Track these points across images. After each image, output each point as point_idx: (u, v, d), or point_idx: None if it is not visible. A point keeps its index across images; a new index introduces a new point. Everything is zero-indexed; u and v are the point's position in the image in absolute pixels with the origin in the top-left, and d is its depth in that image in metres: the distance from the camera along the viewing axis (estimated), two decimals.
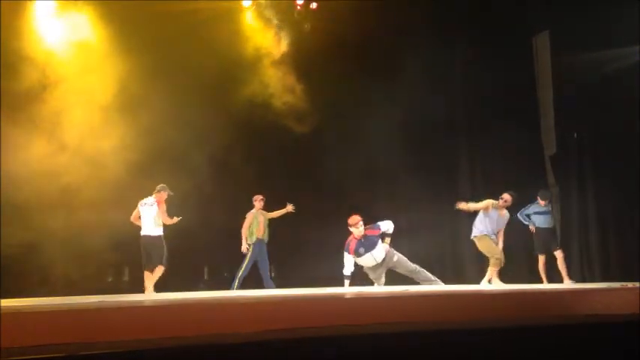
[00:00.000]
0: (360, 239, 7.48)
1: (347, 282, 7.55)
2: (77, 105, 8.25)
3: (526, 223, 9.03)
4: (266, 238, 9.03)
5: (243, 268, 8.84)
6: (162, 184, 7.84)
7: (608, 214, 9.51)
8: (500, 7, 9.83)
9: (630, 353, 2.98)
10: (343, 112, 9.94)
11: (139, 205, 7.89)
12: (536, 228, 8.95)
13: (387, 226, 7.70)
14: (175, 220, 7.84)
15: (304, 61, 9.77)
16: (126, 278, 9.31)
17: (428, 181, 9.78)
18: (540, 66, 10.63)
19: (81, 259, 8.10)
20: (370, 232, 7.54)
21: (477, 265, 9.28)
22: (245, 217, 8.98)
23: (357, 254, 7.49)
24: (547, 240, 8.86)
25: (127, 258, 8.78)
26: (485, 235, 8.01)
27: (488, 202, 8.08)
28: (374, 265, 7.63)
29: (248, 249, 8.87)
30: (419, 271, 7.72)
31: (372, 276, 7.80)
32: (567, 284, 8.22)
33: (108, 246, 8.21)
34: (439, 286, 7.49)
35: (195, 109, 8.57)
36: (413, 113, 9.66)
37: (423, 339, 2.78)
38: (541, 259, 8.86)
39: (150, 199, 7.86)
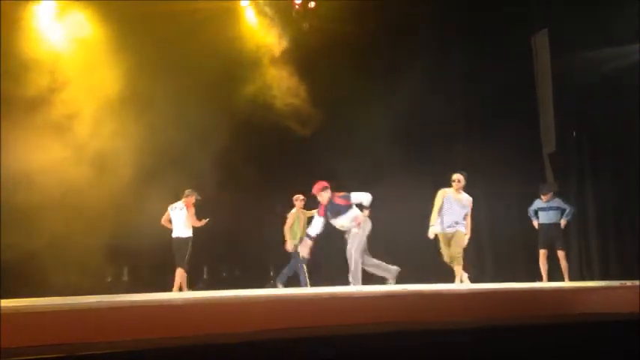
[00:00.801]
0: (327, 205, 7.41)
1: (308, 241, 7.47)
2: (79, 106, 8.28)
3: (533, 219, 9.04)
4: None
5: (289, 267, 9.00)
6: (189, 189, 8.29)
7: (607, 212, 9.52)
8: (499, 5, 9.84)
9: (629, 352, 2.98)
10: (342, 111, 9.92)
11: (169, 209, 8.33)
12: (540, 224, 8.91)
13: (360, 198, 7.41)
14: (203, 222, 8.26)
15: (303, 60, 9.77)
16: (125, 278, 9.35)
17: (426, 181, 9.77)
18: (539, 64, 10.64)
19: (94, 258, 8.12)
20: (339, 201, 7.40)
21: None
22: (287, 217, 9.15)
23: (326, 217, 7.45)
24: (550, 236, 8.80)
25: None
26: (440, 232, 7.68)
27: (439, 193, 7.80)
28: (345, 231, 7.55)
29: (295, 248, 8.91)
30: (369, 260, 7.42)
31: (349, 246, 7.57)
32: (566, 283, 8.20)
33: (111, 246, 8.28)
34: (430, 285, 7.43)
35: (194, 109, 8.58)
36: (412, 112, 9.66)
37: (420, 338, 2.78)
38: (542, 253, 8.81)
39: (179, 204, 8.33)
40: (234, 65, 9.30)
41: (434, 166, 10.31)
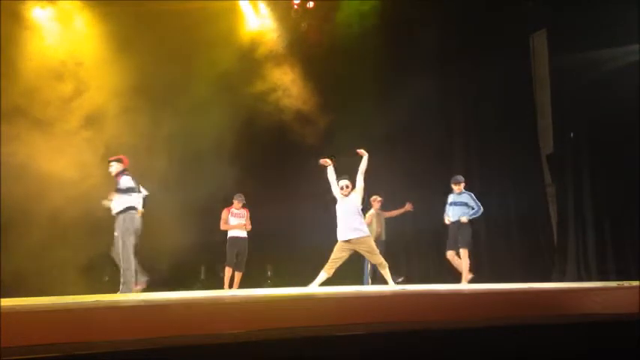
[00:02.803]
0: None
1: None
2: (84, 108, 8.28)
3: (447, 216, 8.28)
4: (384, 236, 9.28)
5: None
6: (239, 193, 8.72)
7: (604, 212, 9.53)
8: (497, 6, 9.85)
9: (627, 353, 2.98)
10: (341, 111, 9.91)
11: (230, 215, 8.70)
12: (451, 222, 8.21)
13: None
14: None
15: (301, 59, 9.77)
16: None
17: (423, 181, 9.79)
18: (537, 65, 10.66)
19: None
20: None
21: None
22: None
23: None
24: (454, 234, 8.11)
25: None
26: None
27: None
28: None
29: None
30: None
31: None
32: (464, 284, 7.72)
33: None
34: (431, 285, 7.44)
35: (193, 111, 8.59)
36: (410, 113, 9.66)
37: (419, 338, 2.78)
38: (450, 255, 8.12)
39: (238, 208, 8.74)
40: (230, 65, 9.27)
41: (431, 167, 10.33)
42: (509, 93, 10.20)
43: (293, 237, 9.67)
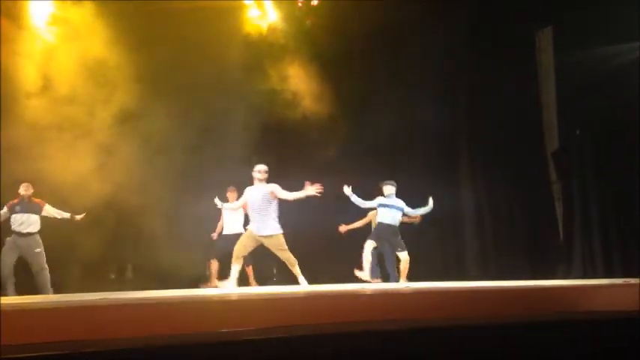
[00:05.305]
0: None
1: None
2: (91, 106, 8.31)
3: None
4: None
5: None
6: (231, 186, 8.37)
7: (610, 210, 9.49)
8: (503, 3, 9.80)
9: (633, 350, 2.97)
10: (346, 109, 9.88)
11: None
12: (378, 223, 7.98)
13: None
14: None
15: (305, 57, 9.75)
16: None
17: (427, 181, 9.72)
18: (543, 62, 10.62)
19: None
20: None
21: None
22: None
23: None
24: (389, 238, 7.94)
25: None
26: None
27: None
28: None
29: None
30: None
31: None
32: (402, 284, 7.56)
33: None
34: (434, 283, 7.42)
35: (198, 109, 8.59)
36: (415, 110, 9.61)
37: (421, 336, 2.77)
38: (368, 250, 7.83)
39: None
40: (235, 64, 9.26)
41: (435, 164, 10.28)
42: (514, 90, 10.14)
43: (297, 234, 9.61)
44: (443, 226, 10.09)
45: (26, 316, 2.94)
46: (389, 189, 7.96)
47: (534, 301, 4.12)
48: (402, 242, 7.88)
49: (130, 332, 2.55)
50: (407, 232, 8.28)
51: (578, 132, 9.98)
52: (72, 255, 8.10)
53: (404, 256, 7.81)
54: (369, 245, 7.87)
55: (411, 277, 7.85)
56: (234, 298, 4.63)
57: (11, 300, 4.36)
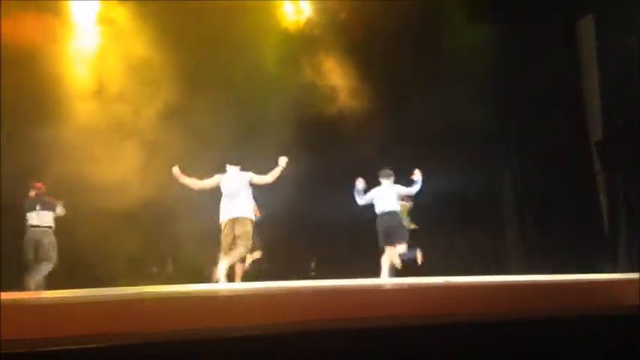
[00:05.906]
0: None
1: None
2: (126, 108, 8.45)
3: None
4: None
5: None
6: None
7: None
8: None
9: None
10: (383, 104, 9.81)
11: None
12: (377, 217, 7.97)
13: None
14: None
15: (340, 50, 9.73)
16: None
17: (462, 173, 9.60)
18: (585, 51, 10.40)
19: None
20: None
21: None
22: None
23: None
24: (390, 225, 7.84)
25: None
26: None
27: None
28: None
29: None
30: None
31: None
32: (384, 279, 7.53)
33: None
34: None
35: (233, 106, 8.67)
36: (450, 103, 9.49)
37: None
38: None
39: None
40: (270, 58, 9.31)
41: (471, 158, 10.12)
42: (556, 79, 9.94)
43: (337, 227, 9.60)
44: (485, 219, 10.03)
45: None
46: (383, 178, 7.98)
47: (581, 295, 4.04)
48: (404, 233, 7.83)
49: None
50: (448, 224, 8.18)
51: (620, 122, 9.75)
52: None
53: (400, 248, 7.69)
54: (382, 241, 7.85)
55: (453, 271, 7.76)
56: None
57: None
